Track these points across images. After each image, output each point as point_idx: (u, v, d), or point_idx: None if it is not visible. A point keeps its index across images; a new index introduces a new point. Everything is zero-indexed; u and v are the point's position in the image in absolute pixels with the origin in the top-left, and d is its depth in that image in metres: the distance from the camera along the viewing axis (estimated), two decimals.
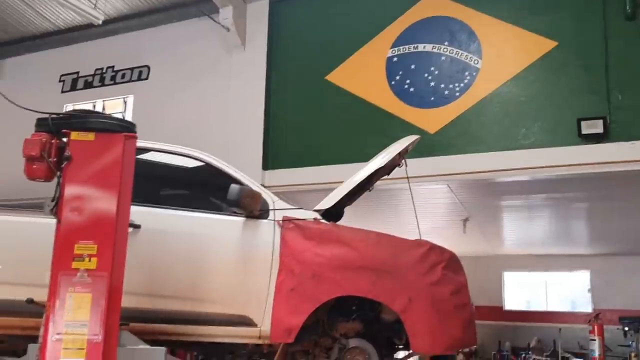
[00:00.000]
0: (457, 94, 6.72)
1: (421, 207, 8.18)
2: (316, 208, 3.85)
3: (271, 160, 7.58)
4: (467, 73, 6.72)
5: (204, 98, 8.22)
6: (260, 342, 3.55)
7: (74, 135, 2.87)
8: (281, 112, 7.73)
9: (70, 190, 2.84)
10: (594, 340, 9.30)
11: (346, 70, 7.42)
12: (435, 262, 3.60)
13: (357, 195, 4.32)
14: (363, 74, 7.30)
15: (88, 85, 9.44)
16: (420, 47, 7.06)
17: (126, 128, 2.93)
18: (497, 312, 12.88)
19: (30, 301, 3.11)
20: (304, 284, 3.46)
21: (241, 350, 3.97)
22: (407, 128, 6.65)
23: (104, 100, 9.32)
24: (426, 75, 6.95)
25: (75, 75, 9.59)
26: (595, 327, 9.42)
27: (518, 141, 6.28)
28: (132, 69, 9.05)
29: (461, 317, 3.59)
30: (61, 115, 2.96)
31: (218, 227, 3.71)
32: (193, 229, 3.66)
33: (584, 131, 5.86)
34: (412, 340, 3.46)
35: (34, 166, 2.88)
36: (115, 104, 9.21)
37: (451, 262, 3.71)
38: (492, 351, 11.90)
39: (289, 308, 3.44)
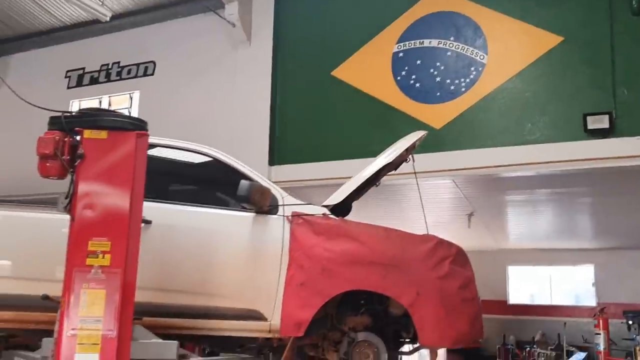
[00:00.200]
0: (463, 89, 6.73)
1: (426, 202, 8.18)
2: (325, 203, 3.89)
3: (277, 155, 7.62)
4: (472, 68, 6.73)
5: (209, 93, 8.26)
6: (270, 336, 3.60)
7: (87, 133, 2.91)
8: (287, 107, 7.76)
9: (83, 187, 2.88)
10: (599, 334, 9.34)
11: (352, 66, 7.44)
12: (443, 257, 3.63)
13: (365, 191, 4.35)
14: (369, 70, 7.32)
15: (94, 81, 9.49)
16: (426, 43, 7.06)
17: (138, 126, 2.96)
18: (502, 306, 12.94)
19: (45, 297, 3.15)
20: (314, 278, 3.50)
21: (250, 344, 4.02)
22: (412, 123, 6.68)
23: (109, 96, 9.38)
24: (432, 70, 6.96)
25: (81, 71, 9.64)
26: (601, 321, 9.44)
27: (524, 136, 6.30)
28: (137, 65, 9.09)
29: (468, 311, 3.63)
30: (74, 114, 3.00)
31: (228, 222, 3.75)
32: (203, 225, 3.70)
33: (590, 126, 5.87)
34: (420, 334, 3.51)
35: (48, 164, 2.91)
36: (121, 100, 9.26)
37: (458, 257, 3.75)
38: (496, 345, 11.96)
39: (298, 302, 3.48)
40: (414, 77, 7.08)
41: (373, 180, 4.26)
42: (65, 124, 2.91)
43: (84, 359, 2.71)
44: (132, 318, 2.89)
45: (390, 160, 4.06)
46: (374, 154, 4.84)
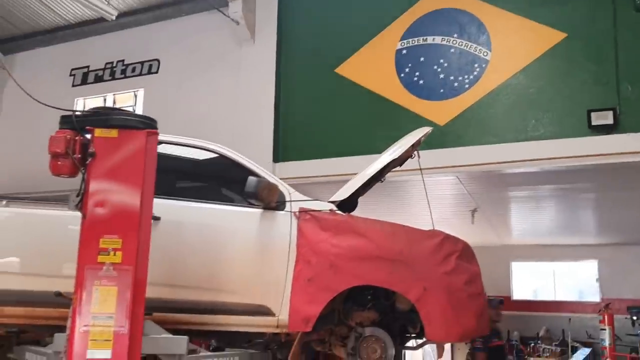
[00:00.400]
0: (467, 86, 6.75)
1: (429, 198, 8.20)
2: (332, 199, 3.92)
3: (281, 152, 7.65)
4: (476, 65, 6.74)
5: (213, 91, 8.29)
6: (278, 331, 3.64)
7: (98, 132, 2.96)
8: (291, 104, 7.79)
9: (94, 186, 2.93)
10: (605, 329, 9.34)
11: (355, 63, 7.46)
12: (449, 252, 3.67)
13: (370, 186, 4.39)
14: (372, 67, 7.34)
15: (98, 79, 9.52)
16: (430, 40, 7.08)
17: (149, 125, 3.01)
18: (506, 302, 12.95)
19: (58, 294, 3.20)
20: (321, 274, 3.54)
21: (258, 339, 4.07)
22: (416, 120, 6.70)
23: (114, 94, 9.41)
24: (435, 67, 6.98)
25: (85, 69, 9.67)
26: (606, 317, 9.46)
27: (527, 133, 6.31)
28: (142, 63, 9.12)
29: (475, 306, 3.67)
30: (85, 113, 3.04)
31: (236, 218, 3.79)
32: (212, 221, 3.75)
33: (594, 122, 5.88)
34: (427, 329, 3.55)
35: (59, 162, 2.96)
36: (125, 98, 9.30)
37: (465, 252, 3.78)
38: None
39: (306, 297, 3.52)
40: (417, 74, 7.09)
41: (378, 176, 4.30)
42: (77, 123, 2.96)
43: (96, 355, 2.76)
44: (143, 314, 2.94)
45: (396, 157, 4.10)
46: (378, 150, 4.87)
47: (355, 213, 4.12)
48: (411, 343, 4.29)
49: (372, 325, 3.74)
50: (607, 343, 9.25)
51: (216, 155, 4.01)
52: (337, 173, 6.90)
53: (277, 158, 7.61)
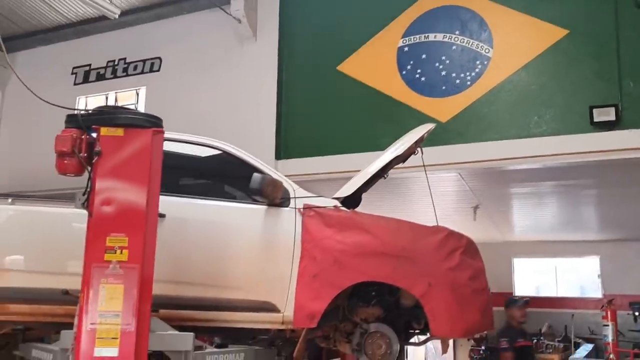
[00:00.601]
0: (469, 83, 6.75)
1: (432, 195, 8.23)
2: (336, 196, 3.94)
3: (283, 150, 7.66)
4: (478, 62, 6.75)
5: (215, 89, 8.29)
6: (283, 327, 3.66)
7: (104, 130, 2.97)
8: (293, 102, 7.79)
9: (101, 184, 2.94)
10: (608, 325, 9.34)
11: (357, 61, 7.46)
12: (453, 248, 3.69)
13: (373, 183, 4.41)
14: (374, 64, 7.34)
15: (100, 77, 9.52)
16: (431, 37, 7.08)
17: (154, 123, 3.02)
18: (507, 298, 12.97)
19: (65, 292, 3.22)
20: (326, 270, 3.56)
21: (262, 335, 4.09)
22: (418, 117, 6.70)
23: (116, 92, 9.41)
24: (437, 64, 6.98)
25: (87, 68, 9.67)
26: (609, 313, 9.47)
27: (530, 129, 6.32)
28: (144, 61, 9.12)
29: (479, 301, 3.69)
30: (91, 112, 3.06)
31: (241, 215, 3.81)
32: (216, 217, 3.77)
33: (596, 119, 5.88)
34: (432, 324, 3.57)
35: (65, 161, 2.97)
36: (127, 96, 9.30)
37: (469, 248, 3.80)
38: None
39: (311, 294, 3.53)
40: (419, 71, 7.09)
41: (381, 173, 4.32)
42: (82, 122, 2.97)
43: (103, 352, 2.77)
44: (150, 311, 2.96)
45: (400, 153, 4.11)
46: (380, 148, 4.89)
47: (358, 210, 4.14)
48: (415, 339, 4.31)
49: (376, 322, 3.76)
50: (610, 339, 9.24)
51: (220, 152, 4.03)
52: (339, 170, 6.91)
53: (279, 155, 7.63)
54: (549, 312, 12.59)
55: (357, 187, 4.02)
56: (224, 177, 4.28)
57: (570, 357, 8.84)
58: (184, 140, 3.99)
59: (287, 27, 8.00)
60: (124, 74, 9.28)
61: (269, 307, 3.62)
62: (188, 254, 3.67)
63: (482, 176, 7.34)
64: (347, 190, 3.97)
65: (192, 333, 3.28)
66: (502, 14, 6.70)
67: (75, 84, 9.70)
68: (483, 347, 11.87)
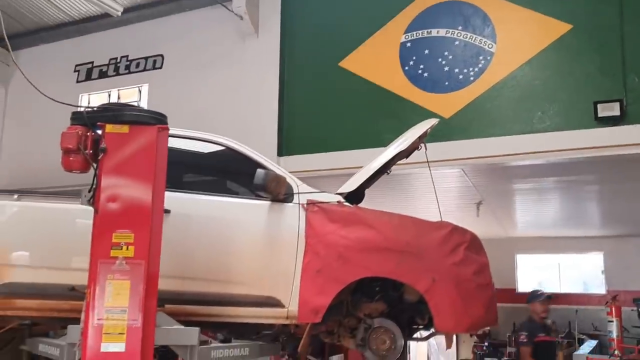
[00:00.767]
0: (472, 78, 6.74)
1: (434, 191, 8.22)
2: (339, 191, 3.95)
3: (285, 146, 7.67)
4: (481, 57, 6.73)
5: (217, 86, 8.30)
6: (287, 322, 3.67)
7: (109, 127, 2.98)
8: (295, 98, 7.79)
9: (106, 181, 2.95)
10: (612, 321, 9.33)
11: (360, 57, 7.45)
12: (457, 243, 3.69)
13: (376, 178, 4.41)
14: (377, 60, 7.33)
15: (103, 74, 9.54)
16: (434, 32, 7.07)
17: (159, 120, 3.03)
18: (510, 294, 12.98)
19: (71, 289, 3.24)
20: (330, 265, 3.57)
21: (267, 330, 4.10)
22: (421, 113, 6.69)
23: (118, 90, 9.43)
24: (440, 60, 6.97)
25: (90, 65, 9.69)
26: (613, 309, 9.47)
27: (533, 125, 6.30)
28: (146, 58, 9.13)
29: (483, 296, 3.70)
30: (96, 109, 3.07)
31: (245, 211, 3.82)
32: (221, 213, 3.78)
33: (601, 114, 5.86)
34: (436, 320, 3.57)
35: (71, 158, 2.99)
36: (130, 93, 9.32)
37: (473, 243, 3.80)
38: (506, 333, 12.01)
39: (315, 289, 3.54)
40: (422, 66, 7.08)
41: (385, 168, 4.32)
42: (88, 119, 2.99)
43: (110, 348, 2.79)
44: (156, 307, 2.97)
45: (403, 149, 4.11)
46: (382, 144, 4.88)
47: (362, 206, 4.14)
48: (418, 334, 4.32)
49: (380, 317, 3.77)
50: (614, 335, 9.24)
51: (224, 148, 4.04)
52: (341, 166, 6.91)
53: (281, 152, 7.63)
54: (552, 308, 12.53)
55: (361, 183, 4.02)
56: (228, 173, 4.29)
57: (574, 353, 8.83)
58: (188, 137, 4.00)
59: (289, 24, 7.99)
60: (127, 71, 9.30)
61: (273, 302, 3.64)
62: (193, 250, 3.68)
63: (485, 172, 7.34)
64: (351, 185, 3.97)
65: (197, 328, 3.30)
66: (505, 9, 6.68)
67: (77, 81, 9.73)
68: (486, 343, 11.89)
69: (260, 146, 7.03)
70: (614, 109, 5.79)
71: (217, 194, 3.92)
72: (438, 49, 7.00)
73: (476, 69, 6.73)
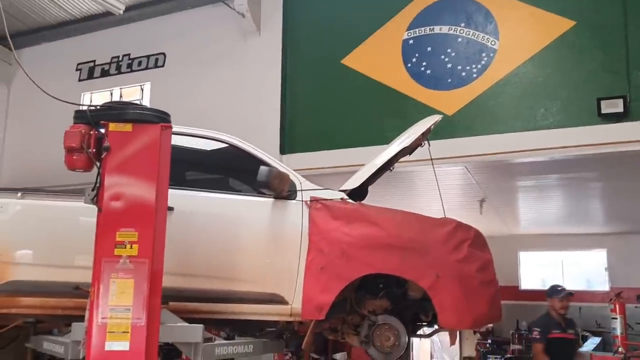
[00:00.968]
0: (475, 75, 6.72)
1: (437, 189, 8.21)
2: (342, 188, 3.94)
3: (288, 144, 7.66)
4: (484, 54, 6.71)
5: (220, 84, 8.29)
6: (291, 319, 3.68)
7: (112, 126, 2.98)
8: (297, 96, 7.78)
9: (110, 179, 2.95)
10: (616, 318, 9.31)
11: (362, 54, 7.44)
12: (461, 240, 3.69)
13: (380, 175, 4.41)
14: (379, 57, 7.31)
15: (105, 73, 9.53)
16: (437, 29, 7.05)
17: (163, 118, 3.03)
18: (514, 291, 12.96)
19: (76, 288, 3.24)
20: (334, 262, 3.57)
21: (270, 327, 4.11)
22: (424, 110, 6.68)
23: (120, 88, 9.43)
24: (443, 57, 6.95)
25: (91, 64, 9.69)
26: (617, 306, 9.44)
27: (536, 122, 6.29)
28: (148, 57, 9.12)
29: (487, 293, 3.69)
30: (99, 107, 3.07)
31: (248, 208, 3.82)
32: (224, 211, 3.78)
33: (604, 110, 5.84)
34: (440, 316, 3.57)
35: (74, 157, 2.99)
36: (132, 92, 9.32)
37: (477, 240, 3.80)
38: (510, 330, 12.01)
39: (319, 286, 3.55)
40: (424, 63, 7.07)
41: (388, 165, 4.32)
42: (91, 118, 2.99)
43: (114, 347, 2.79)
44: (160, 305, 2.97)
45: (406, 145, 4.11)
46: (385, 141, 4.87)
47: (365, 203, 4.13)
48: (422, 331, 4.32)
49: (384, 314, 3.77)
50: (618, 332, 9.22)
51: (227, 145, 4.04)
52: (344, 164, 6.91)
53: (283, 150, 7.63)
54: None
55: (364, 180, 4.01)
56: (231, 170, 4.29)
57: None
58: (192, 134, 4.00)
59: (291, 21, 7.98)
60: (129, 69, 9.30)
61: (277, 299, 3.64)
62: (196, 247, 3.69)
63: (489, 169, 7.32)
64: (354, 182, 3.97)
65: (201, 325, 3.30)
66: (508, 6, 6.66)
67: (79, 80, 9.73)
68: (489, 341, 11.88)
69: (262, 144, 6.99)
70: (617, 106, 5.76)
71: (221, 191, 3.91)
72: (441, 46, 6.98)
73: (479, 66, 6.71)
